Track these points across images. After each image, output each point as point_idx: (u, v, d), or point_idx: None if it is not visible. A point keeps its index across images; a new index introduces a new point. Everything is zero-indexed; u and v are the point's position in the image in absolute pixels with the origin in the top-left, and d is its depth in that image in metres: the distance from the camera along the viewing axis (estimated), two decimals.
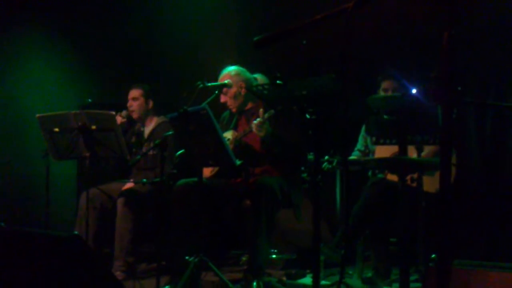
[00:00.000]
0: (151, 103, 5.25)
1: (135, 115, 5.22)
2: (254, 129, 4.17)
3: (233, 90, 4.51)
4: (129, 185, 5.02)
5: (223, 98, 4.53)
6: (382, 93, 4.63)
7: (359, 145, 4.93)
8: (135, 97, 5.22)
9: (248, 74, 4.59)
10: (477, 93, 5.08)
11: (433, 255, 4.22)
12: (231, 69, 4.57)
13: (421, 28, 4.97)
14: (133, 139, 5.29)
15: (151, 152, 4.99)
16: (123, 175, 5.22)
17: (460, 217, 4.76)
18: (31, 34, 6.09)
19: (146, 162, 5.08)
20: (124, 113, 5.19)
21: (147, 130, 5.27)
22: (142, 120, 5.29)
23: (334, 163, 4.74)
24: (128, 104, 5.23)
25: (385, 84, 4.69)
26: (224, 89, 4.49)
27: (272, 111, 4.10)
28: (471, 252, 4.80)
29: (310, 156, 4.65)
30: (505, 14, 4.80)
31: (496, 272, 2.45)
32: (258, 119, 4.15)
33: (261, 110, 4.17)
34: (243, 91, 4.51)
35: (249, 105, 4.59)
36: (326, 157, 4.75)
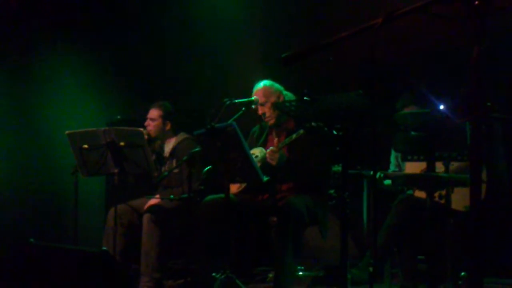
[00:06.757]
0: (168, 125, 5.16)
1: (152, 134, 5.14)
2: (267, 157, 4.18)
3: (272, 100, 4.48)
4: (154, 200, 4.94)
5: (261, 110, 4.51)
6: None
7: (392, 166, 4.89)
8: (153, 118, 5.14)
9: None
10: (505, 108, 5.01)
11: (462, 273, 4.19)
12: (267, 83, 4.58)
13: (449, 43, 4.94)
14: (153, 157, 5.24)
15: (176, 170, 4.95)
16: (148, 192, 5.22)
17: (490, 234, 4.68)
18: (61, 54, 6.17)
19: (170, 180, 4.99)
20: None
21: (167, 147, 5.22)
22: (160, 138, 5.24)
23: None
24: (146, 123, 5.15)
25: (407, 110, 4.64)
26: (263, 100, 4.48)
27: (301, 131, 4.09)
28: (502, 270, 4.72)
29: (337, 168, 4.59)
30: None
31: None
32: (271, 148, 4.16)
33: (276, 140, 4.19)
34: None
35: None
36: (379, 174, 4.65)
